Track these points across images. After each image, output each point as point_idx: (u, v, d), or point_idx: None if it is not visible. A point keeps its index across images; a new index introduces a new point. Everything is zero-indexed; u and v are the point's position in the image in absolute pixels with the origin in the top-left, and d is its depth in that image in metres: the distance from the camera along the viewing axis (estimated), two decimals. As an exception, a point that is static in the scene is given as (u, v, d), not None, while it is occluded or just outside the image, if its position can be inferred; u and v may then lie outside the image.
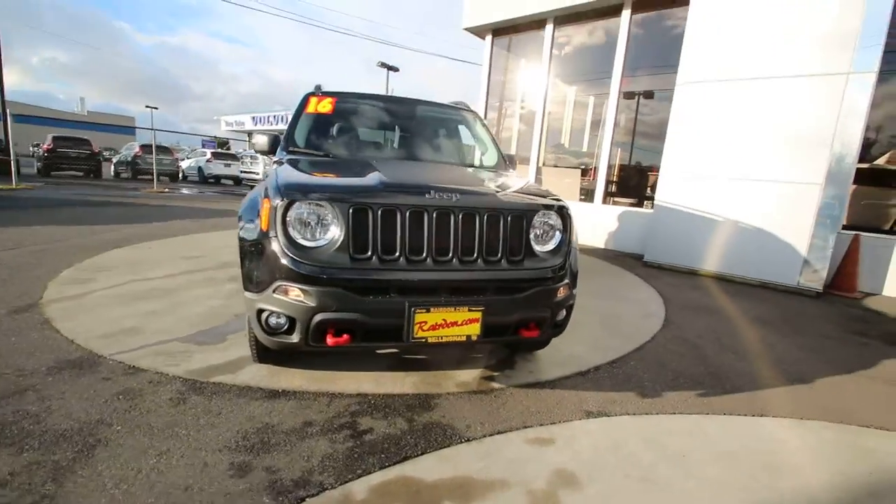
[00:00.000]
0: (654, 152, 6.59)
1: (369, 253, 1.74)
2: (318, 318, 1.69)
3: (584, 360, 2.67)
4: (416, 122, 3.10)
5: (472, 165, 2.95)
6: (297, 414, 1.91)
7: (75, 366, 2.18)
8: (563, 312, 2.07)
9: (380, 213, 1.72)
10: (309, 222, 1.75)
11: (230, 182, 18.80)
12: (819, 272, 4.53)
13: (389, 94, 3.74)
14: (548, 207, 1.99)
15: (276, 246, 1.73)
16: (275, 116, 30.21)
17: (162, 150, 13.14)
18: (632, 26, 6.37)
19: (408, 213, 1.74)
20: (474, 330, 1.78)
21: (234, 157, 19.45)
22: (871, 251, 4.71)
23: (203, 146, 28.04)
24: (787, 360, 2.92)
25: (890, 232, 5.00)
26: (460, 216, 1.80)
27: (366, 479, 1.55)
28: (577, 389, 2.33)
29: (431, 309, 1.70)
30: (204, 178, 18.38)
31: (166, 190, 12.75)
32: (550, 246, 2.02)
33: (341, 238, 1.73)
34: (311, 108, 2.89)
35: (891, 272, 4.71)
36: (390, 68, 24.66)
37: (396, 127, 3.12)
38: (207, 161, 18.28)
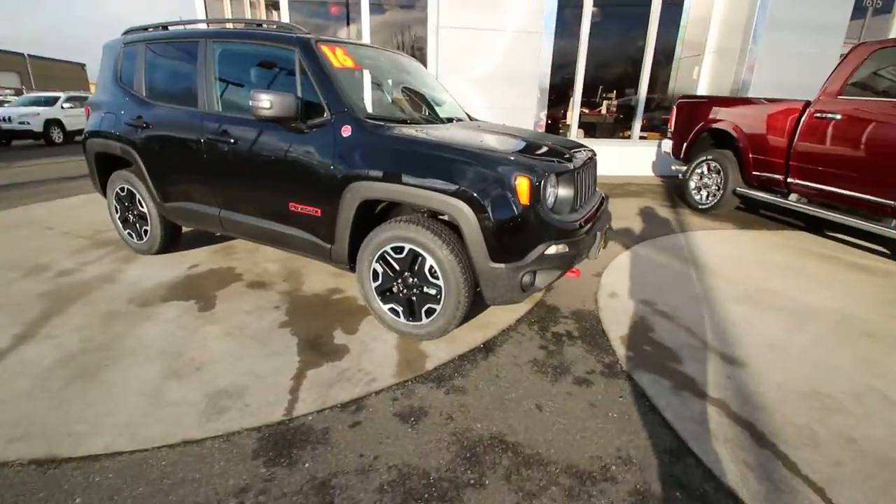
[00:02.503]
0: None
1: (577, 204, 2.29)
2: (575, 261, 2.18)
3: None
4: (411, 77, 2.99)
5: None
6: (528, 345, 2.35)
7: (298, 443, 1.65)
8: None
9: (577, 175, 2.27)
10: (553, 190, 2.09)
11: None
12: (537, 165, 7.18)
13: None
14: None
15: (543, 214, 2.01)
16: None
17: None
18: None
19: (583, 171, 2.37)
20: (603, 244, 2.69)
21: None
22: (546, 147, 7.74)
23: None
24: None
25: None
26: (591, 166, 2.55)
27: (618, 345, 2.38)
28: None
29: (601, 234, 2.48)
30: None
31: None
32: None
33: (569, 197, 2.19)
34: (335, 62, 2.36)
35: (554, 158, 7.96)
36: None
37: (400, 83, 2.92)
38: None
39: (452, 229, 2.19)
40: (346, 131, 2.25)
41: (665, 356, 2.29)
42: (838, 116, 3.87)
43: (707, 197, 5.39)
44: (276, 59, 2.53)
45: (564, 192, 2.20)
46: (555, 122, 8.34)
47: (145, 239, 3.30)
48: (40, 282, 2.92)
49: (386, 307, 2.38)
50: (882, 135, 3.57)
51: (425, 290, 2.24)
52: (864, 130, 3.69)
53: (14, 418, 1.72)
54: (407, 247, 2.19)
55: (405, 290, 2.30)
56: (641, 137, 8.19)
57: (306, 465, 1.55)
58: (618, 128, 8.42)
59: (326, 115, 2.31)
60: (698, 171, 5.50)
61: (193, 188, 2.87)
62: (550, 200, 2.10)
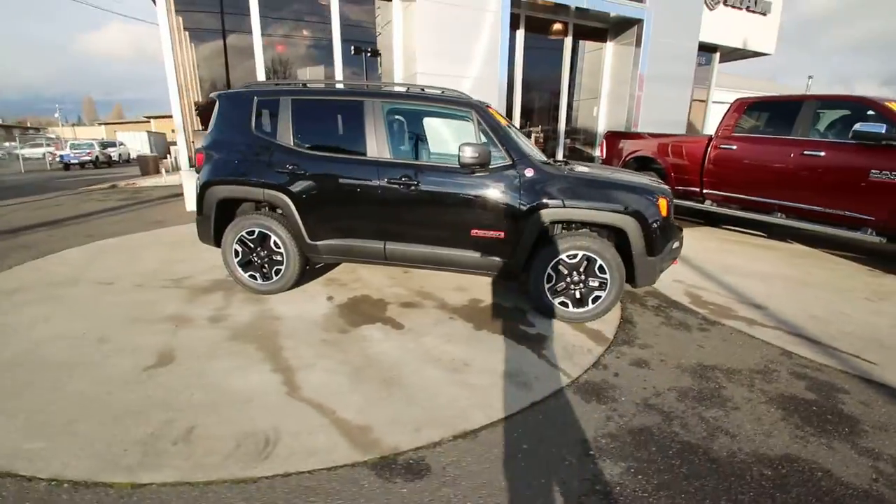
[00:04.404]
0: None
1: (672, 215, 3.40)
2: (679, 253, 3.27)
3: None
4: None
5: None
6: (647, 315, 3.34)
7: (599, 390, 2.36)
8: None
9: (671, 194, 3.40)
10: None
11: None
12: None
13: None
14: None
15: (670, 222, 3.05)
16: None
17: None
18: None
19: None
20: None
21: None
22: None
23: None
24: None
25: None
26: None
27: (695, 307, 3.52)
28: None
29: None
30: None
31: None
32: None
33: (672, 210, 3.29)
34: (501, 120, 3.06)
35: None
36: None
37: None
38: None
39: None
40: (530, 172, 3.01)
41: (725, 309, 3.51)
42: (734, 147, 5.79)
43: (641, 206, 7.12)
44: (452, 118, 3.14)
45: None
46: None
47: (276, 278, 3.45)
48: (209, 329, 2.95)
49: (556, 301, 3.15)
50: (763, 158, 5.52)
51: (590, 283, 3.09)
52: (751, 155, 5.63)
53: (390, 418, 2.09)
54: (580, 253, 3.03)
55: (573, 286, 3.12)
56: (562, 162, 9.98)
57: (623, 398, 2.30)
58: (546, 155, 10.10)
59: (507, 160, 3.04)
60: (631, 187, 7.24)
61: (357, 225, 3.24)
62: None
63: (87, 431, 1.96)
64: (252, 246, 3.42)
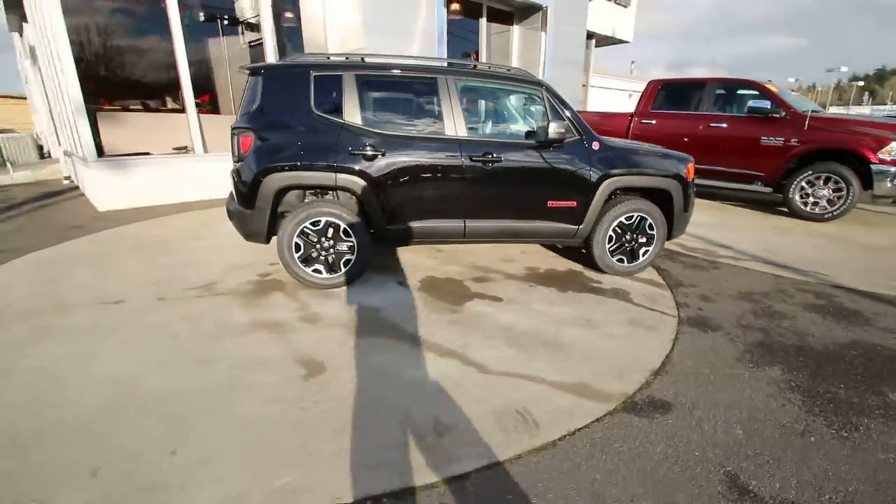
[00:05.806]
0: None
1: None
2: (691, 207, 3.98)
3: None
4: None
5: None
6: (670, 264, 4.01)
7: (703, 322, 2.88)
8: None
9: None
10: None
11: None
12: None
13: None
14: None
15: (694, 182, 3.70)
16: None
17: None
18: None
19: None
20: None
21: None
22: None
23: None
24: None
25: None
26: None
27: (703, 255, 4.33)
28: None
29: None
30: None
31: None
32: None
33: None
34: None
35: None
36: None
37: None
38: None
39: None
40: (596, 146, 3.34)
41: (709, 251, 4.39)
42: (653, 122, 6.94)
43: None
44: (522, 95, 3.25)
45: (682, 171, 3.95)
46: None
47: (344, 270, 3.20)
48: (316, 330, 2.65)
49: (615, 259, 3.60)
50: (677, 129, 6.75)
51: (639, 240, 3.60)
52: (667, 128, 6.84)
53: (591, 372, 2.28)
54: (636, 214, 3.51)
55: (626, 244, 3.59)
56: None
57: (724, 325, 2.86)
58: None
59: (576, 135, 3.31)
60: (562, 160, 8.11)
61: (438, 206, 3.18)
62: (689, 176, 3.82)
63: (324, 449, 1.75)
64: (316, 238, 3.11)
